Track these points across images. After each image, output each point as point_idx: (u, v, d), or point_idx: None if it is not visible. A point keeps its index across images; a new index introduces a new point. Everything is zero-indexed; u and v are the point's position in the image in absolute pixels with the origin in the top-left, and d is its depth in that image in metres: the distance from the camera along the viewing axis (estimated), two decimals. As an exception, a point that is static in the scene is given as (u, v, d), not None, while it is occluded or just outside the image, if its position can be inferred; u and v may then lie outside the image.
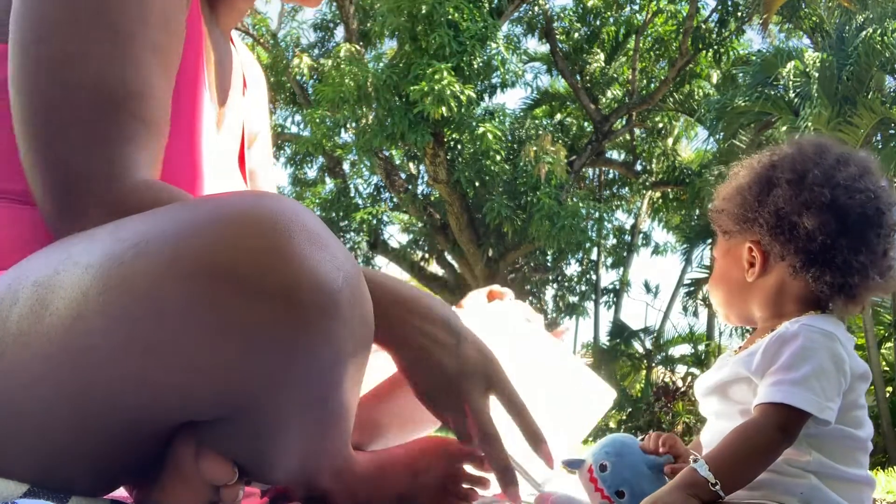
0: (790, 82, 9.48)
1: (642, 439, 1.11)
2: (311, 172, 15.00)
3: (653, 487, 0.97)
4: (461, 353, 0.87)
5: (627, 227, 15.52)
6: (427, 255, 14.25)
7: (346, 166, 14.12)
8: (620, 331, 14.45)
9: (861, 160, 1.07)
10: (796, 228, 1.02)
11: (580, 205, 10.99)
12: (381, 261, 14.17)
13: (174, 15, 0.80)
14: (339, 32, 13.45)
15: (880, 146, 9.39)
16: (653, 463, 1.05)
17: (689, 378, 13.08)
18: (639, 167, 14.17)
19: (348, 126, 11.36)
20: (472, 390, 0.88)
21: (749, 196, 1.07)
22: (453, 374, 0.87)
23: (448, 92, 9.54)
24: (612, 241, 15.18)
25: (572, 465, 1.09)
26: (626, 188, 15.06)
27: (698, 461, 0.92)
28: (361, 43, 11.63)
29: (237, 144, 1.05)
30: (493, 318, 1.17)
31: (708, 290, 1.17)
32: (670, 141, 14.09)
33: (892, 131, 9.30)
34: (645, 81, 13.56)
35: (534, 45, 14.74)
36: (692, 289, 13.42)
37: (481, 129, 10.35)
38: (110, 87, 0.72)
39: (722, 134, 10.47)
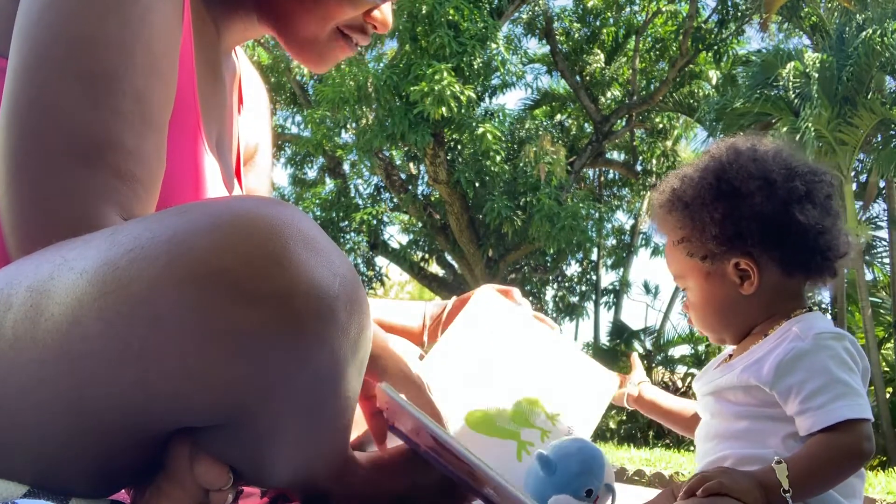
0: (790, 83, 9.46)
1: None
2: (312, 173, 15.02)
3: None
4: None
5: (627, 227, 15.53)
6: (427, 256, 14.24)
7: (346, 167, 14.12)
8: (620, 331, 14.43)
9: (772, 144, 1.09)
10: (787, 228, 1.02)
11: (580, 205, 10.98)
12: (381, 261, 14.18)
13: (164, 56, 0.75)
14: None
15: (880, 147, 9.39)
16: (551, 472, 0.96)
17: (689, 378, 13.07)
18: (639, 168, 14.17)
19: (348, 126, 11.36)
20: None
21: (717, 214, 1.04)
22: None
23: (448, 92, 9.54)
24: (612, 241, 15.18)
25: None
26: (627, 189, 15.05)
27: (781, 463, 0.91)
28: (361, 43, 11.62)
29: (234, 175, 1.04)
30: (489, 316, 1.19)
31: (693, 321, 1.15)
32: (670, 142, 14.09)
33: (892, 132, 9.30)
34: (645, 82, 13.56)
35: (534, 45, 14.74)
36: (692, 289, 13.38)
37: (481, 130, 10.35)
38: (84, 138, 0.69)
39: (722, 135, 10.45)
